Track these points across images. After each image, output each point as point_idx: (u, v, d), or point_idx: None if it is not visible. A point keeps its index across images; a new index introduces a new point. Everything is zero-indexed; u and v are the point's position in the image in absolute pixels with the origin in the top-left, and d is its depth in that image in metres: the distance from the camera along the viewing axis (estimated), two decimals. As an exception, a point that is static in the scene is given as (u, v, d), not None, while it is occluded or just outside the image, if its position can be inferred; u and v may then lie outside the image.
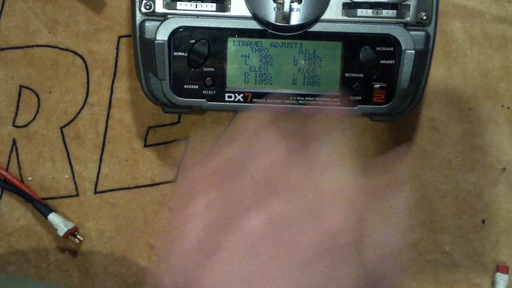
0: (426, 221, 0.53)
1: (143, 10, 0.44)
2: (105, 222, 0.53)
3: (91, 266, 0.53)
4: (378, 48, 0.45)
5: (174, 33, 0.44)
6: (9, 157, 0.53)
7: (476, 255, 0.53)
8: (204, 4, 0.44)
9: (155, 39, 0.44)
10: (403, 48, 0.44)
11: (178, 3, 0.44)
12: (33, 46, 0.52)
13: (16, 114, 0.52)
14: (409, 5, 0.44)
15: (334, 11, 0.44)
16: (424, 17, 0.45)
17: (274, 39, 0.45)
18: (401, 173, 0.35)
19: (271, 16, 0.43)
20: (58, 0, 0.52)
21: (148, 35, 0.44)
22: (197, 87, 0.45)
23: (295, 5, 0.43)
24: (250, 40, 0.45)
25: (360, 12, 0.44)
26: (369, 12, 0.44)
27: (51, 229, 0.52)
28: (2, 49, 0.52)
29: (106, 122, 0.53)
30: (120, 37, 0.52)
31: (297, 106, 0.46)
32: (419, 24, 0.45)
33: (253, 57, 0.45)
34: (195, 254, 0.31)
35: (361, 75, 0.45)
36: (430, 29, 0.45)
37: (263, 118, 0.35)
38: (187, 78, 0.45)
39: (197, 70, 0.45)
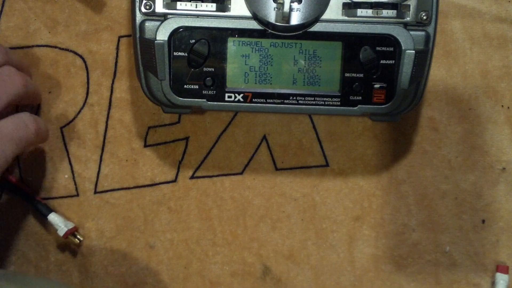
0: (426, 221, 0.53)
1: (143, 10, 0.45)
2: (105, 222, 0.53)
3: (91, 266, 0.53)
4: (378, 48, 0.45)
5: (174, 33, 0.44)
6: (9, 157, 0.53)
7: (476, 255, 0.53)
8: (204, 4, 0.44)
9: (155, 39, 0.44)
10: (403, 48, 0.44)
11: (178, 3, 0.44)
12: (33, 46, 0.52)
13: (16, 114, 0.52)
14: (409, 5, 0.44)
15: (334, 11, 0.44)
16: (424, 17, 0.45)
17: (274, 39, 0.45)
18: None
19: (271, 16, 0.43)
20: (58, 0, 0.52)
21: (148, 35, 0.44)
22: (197, 87, 0.45)
23: (295, 5, 0.43)
24: (250, 40, 0.45)
25: (360, 12, 0.44)
26: (369, 12, 0.44)
27: (51, 229, 0.52)
28: (2, 49, 0.52)
29: (106, 122, 0.53)
30: (120, 37, 0.52)
31: (297, 106, 0.46)
32: (419, 24, 0.45)
33: (253, 57, 0.45)
34: None
35: (361, 75, 0.45)
36: (430, 29, 0.45)
37: None
38: (187, 78, 0.45)
39: (197, 70, 0.45)
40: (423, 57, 0.45)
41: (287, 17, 0.43)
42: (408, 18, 0.44)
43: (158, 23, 0.44)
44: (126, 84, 0.52)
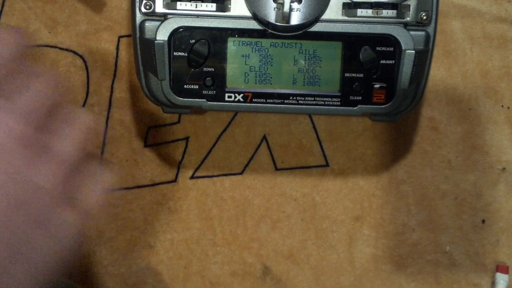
0: (426, 221, 0.53)
1: (143, 10, 0.45)
2: (105, 222, 0.53)
3: (91, 266, 0.53)
4: (378, 48, 0.45)
5: (174, 33, 0.44)
6: (9, 157, 0.53)
7: (476, 255, 0.53)
8: (204, 4, 0.44)
9: (155, 39, 0.44)
10: (403, 48, 0.44)
11: (178, 3, 0.44)
12: (33, 46, 0.52)
13: (16, 114, 0.52)
14: (409, 5, 0.44)
15: (334, 11, 0.44)
16: (424, 17, 0.45)
17: (274, 39, 0.45)
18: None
19: (271, 16, 0.43)
20: (58, 0, 0.52)
21: (148, 35, 0.44)
22: (197, 87, 0.45)
23: (295, 5, 0.43)
24: (250, 40, 0.45)
25: (360, 12, 0.44)
26: (369, 12, 0.44)
27: (51, 229, 0.52)
28: (2, 49, 0.52)
29: (106, 122, 0.53)
30: (120, 37, 0.52)
31: (297, 106, 0.46)
32: (419, 24, 0.45)
33: (253, 57, 0.45)
34: None
35: (361, 75, 0.45)
36: (430, 29, 0.45)
37: None
38: (187, 78, 0.45)
39: (197, 70, 0.45)
40: (423, 57, 0.45)
41: (287, 17, 0.43)
42: (408, 18, 0.44)
43: (158, 23, 0.44)
44: (126, 84, 0.52)
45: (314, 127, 0.53)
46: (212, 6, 0.44)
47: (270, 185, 0.53)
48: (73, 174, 0.34)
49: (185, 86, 0.45)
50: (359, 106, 0.46)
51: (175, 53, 0.45)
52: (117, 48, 0.52)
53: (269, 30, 0.44)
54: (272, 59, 0.45)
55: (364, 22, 0.44)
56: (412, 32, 0.44)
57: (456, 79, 0.52)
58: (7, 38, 0.34)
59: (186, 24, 0.44)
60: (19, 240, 0.31)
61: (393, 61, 0.45)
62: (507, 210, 0.53)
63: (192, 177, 0.53)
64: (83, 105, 0.52)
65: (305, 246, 0.53)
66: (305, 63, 0.45)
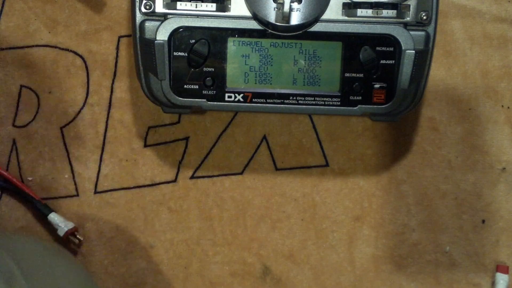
0: (426, 221, 0.53)
1: (143, 10, 0.45)
2: (105, 222, 0.53)
3: (91, 266, 0.53)
4: (378, 48, 0.45)
5: (174, 33, 0.44)
6: (9, 157, 0.53)
7: (476, 255, 0.53)
8: (204, 4, 0.44)
9: (155, 39, 0.44)
10: (403, 48, 0.44)
11: (178, 3, 0.44)
12: (33, 46, 0.52)
13: (16, 114, 0.52)
14: (409, 5, 0.44)
15: (334, 11, 0.44)
16: (424, 17, 0.45)
17: (274, 39, 0.45)
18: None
19: (271, 16, 0.43)
20: (58, 0, 0.52)
21: (148, 35, 0.44)
22: (197, 87, 0.45)
23: (295, 5, 0.43)
24: (250, 40, 0.45)
25: (360, 12, 0.44)
26: (369, 12, 0.44)
27: (51, 229, 0.52)
28: (2, 49, 0.52)
29: (106, 122, 0.53)
30: (120, 37, 0.52)
31: (297, 106, 0.46)
32: (419, 24, 0.45)
33: (253, 57, 0.45)
34: None
35: (361, 75, 0.45)
36: (430, 29, 0.45)
37: None
38: (187, 78, 0.45)
39: (197, 70, 0.45)
40: (423, 57, 0.45)
41: (287, 17, 0.43)
42: (408, 18, 0.44)
43: (158, 23, 0.44)
44: (126, 84, 0.52)
45: (314, 127, 0.53)
46: (212, 6, 0.44)
47: (270, 185, 0.53)
48: None
49: (185, 86, 0.45)
50: (359, 106, 0.46)
51: (175, 53, 0.45)
52: (117, 48, 0.52)
53: (269, 30, 0.44)
54: (272, 59, 0.45)
55: (364, 22, 0.44)
56: (412, 32, 0.44)
57: (456, 79, 0.52)
58: None
59: (186, 24, 0.44)
60: None
61: (393, 61, 0.45)
62: (507, 210, 0.53)
63: (192, 177, 0.53)
64: (83, 105, 0.52)
65: (305, 246, 0.53)
66: (305, 63, 0.45)
